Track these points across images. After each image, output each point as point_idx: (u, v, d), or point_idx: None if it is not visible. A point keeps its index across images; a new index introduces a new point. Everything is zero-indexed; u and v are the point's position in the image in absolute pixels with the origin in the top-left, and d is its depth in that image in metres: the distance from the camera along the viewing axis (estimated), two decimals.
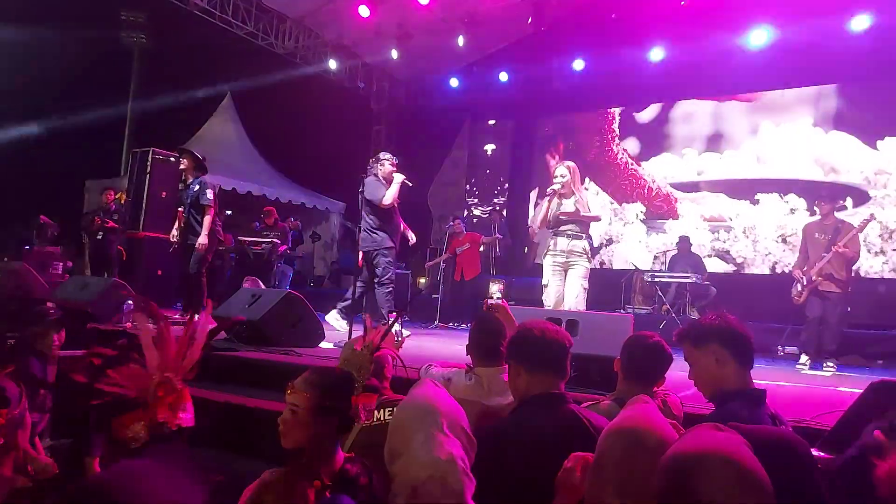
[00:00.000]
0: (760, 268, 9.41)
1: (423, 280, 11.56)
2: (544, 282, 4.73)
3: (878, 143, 8.67)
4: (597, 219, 4.98)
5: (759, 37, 8.85)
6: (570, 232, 4.70)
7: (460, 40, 10.23)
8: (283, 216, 9.86)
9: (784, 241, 9.23)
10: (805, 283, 5.71)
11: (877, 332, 6.87)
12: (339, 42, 10.95)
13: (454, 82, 12.19)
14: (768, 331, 6.95)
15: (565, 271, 4.69)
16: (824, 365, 5.50)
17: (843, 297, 5.70)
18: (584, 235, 4.73)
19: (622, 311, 8.42)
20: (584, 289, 4.63)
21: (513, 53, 11.19)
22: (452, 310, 8.96)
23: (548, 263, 4.73)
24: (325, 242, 12.77)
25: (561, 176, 4.74)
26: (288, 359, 4.01)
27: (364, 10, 9.60)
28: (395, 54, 10.27)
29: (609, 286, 9.26)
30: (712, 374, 2.02)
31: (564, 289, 4.65)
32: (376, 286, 5.42)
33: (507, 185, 12.24)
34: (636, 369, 2.29)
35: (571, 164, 4.89)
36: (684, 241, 8.83)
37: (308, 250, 11.83)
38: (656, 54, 9.72)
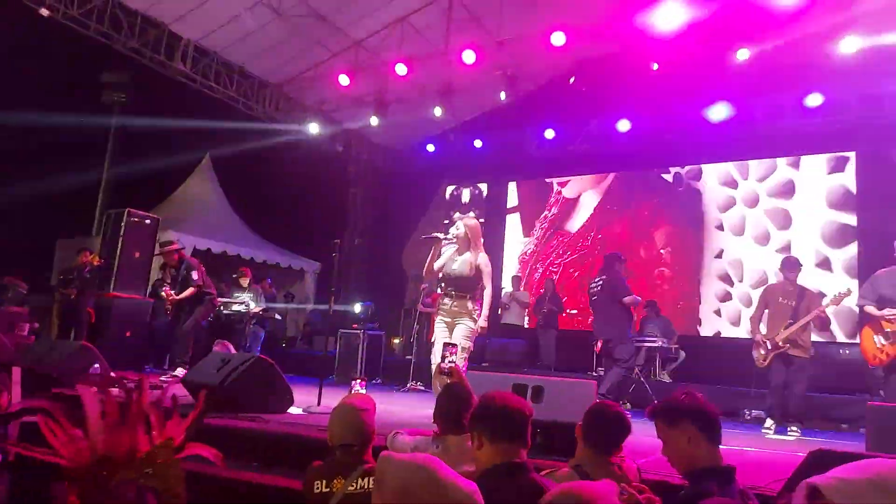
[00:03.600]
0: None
1: (397, 341, 11.54)
2: (433, 339, 4.70)
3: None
4: (484, 284, 4.72)
5: (719, 111, 9.36)
6: (454, 292, 4.64)
7: (437, 110, 10.60)
8: (259, 276, 9.86)
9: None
10: (770, 347, 5.81)
11: (841, 395, 7.00)
12: (318, 108, 11.26)
13: (430, 148, 12.54)
14: (735, 394, 7.05)
15: (450, 330, 4.63)
16: (789, 429, 5.58)
17: (808, 363, 5.82)
18: (468, 295, 4.64)
19: (593, 373, 8.48)
20: (465, 349, 4.52)
21: (487, 121, 11.63)
22: (427, 372, 8.91)
23: (437, 321, 4.71)
24: (299, 303, 12.72)
25: (456, 229, 4.68)
26: (254, 425, 3.98)
27: (344, 79, 9.94)
28: (374, 122, 10.60)
29: (579, 349, 9.36)
30: (685, 452, 2.09)
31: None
32: (615, 365, 6.38)
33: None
34: (596, 438, 2.36)
35: (473, 221, 4.83)
36: (652, 306, 9.00)
37: (281, 311, 11.76)
38: (624, 126, 10.22)
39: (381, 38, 9.91)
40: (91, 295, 7.54)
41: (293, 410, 4.70)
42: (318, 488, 2.37)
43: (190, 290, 6.85)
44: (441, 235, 4.70)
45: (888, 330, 4.59)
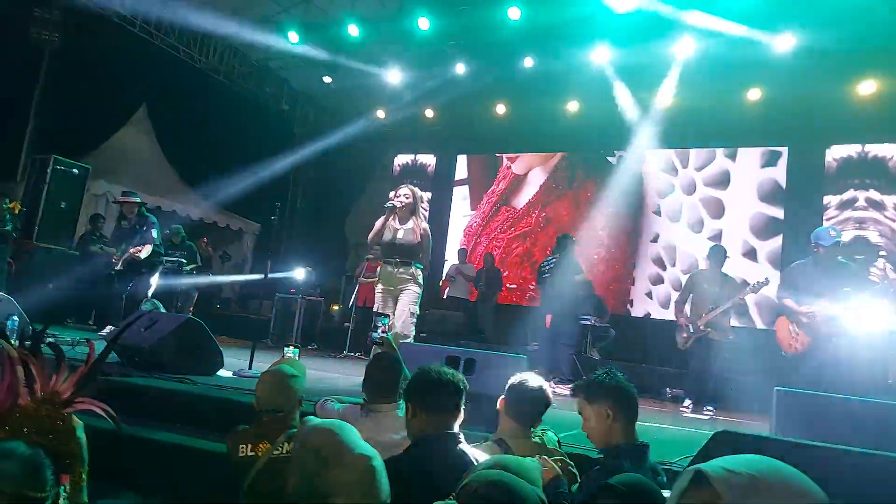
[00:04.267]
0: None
1: (336, 307, 11.46)
2: (375, 309, 4.69)
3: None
4: (424, 252, 4.80)
5: (664, 99, 9.59)
6: (398, 259, 4.67)
7: (390, 76, 10.42)
8: (196, 234, 9.57)
9: None
10: (692, 330, 6.09)
11: (756, 379, 7.41)
12: (265, 64, 10.88)
13: (380, 114, 12.35)
14: (658, 373, 7.38)
15: (395, 298, 4.67)
16: (705, 408, 5.89)
17: (725, 346, 6.15)
18: (412, 262, 4.69)
19: (527, 347, 8.68)
20: (412, 313, 4.62)
21: (439, 92, 11.50)
22: (365, 341, 8.92)
23: (379, 291, 4.72)
24: (235, 264, 12.44)
25: (405, 196, 4.71)
26: (181, 387, 3.90)
27: (293, 36, 9.61)
28: (326, 80, 10.32)
29: (516, 322, 9.55)
30: (602, 428, 2.19)
31: (394, 315, 4.62)
32: (560, 346, 6.76)
33: (425, 215, 12.43)
34: (517, 412, 2.43)
35: (417, 190, 4.89)
36: (587, 285, 9.24)
37: (217, 271, 11.47)
38: (573, 106, 10.35)
39: None
40: (11, 244, 7.14)
41: (223, 373, 4.63)
42: (243, 452, 2.36)
43: (148, 248, 6.57)
44: (397, 204, 4.67)
45: (803, 320, 4.82)
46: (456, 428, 2.20)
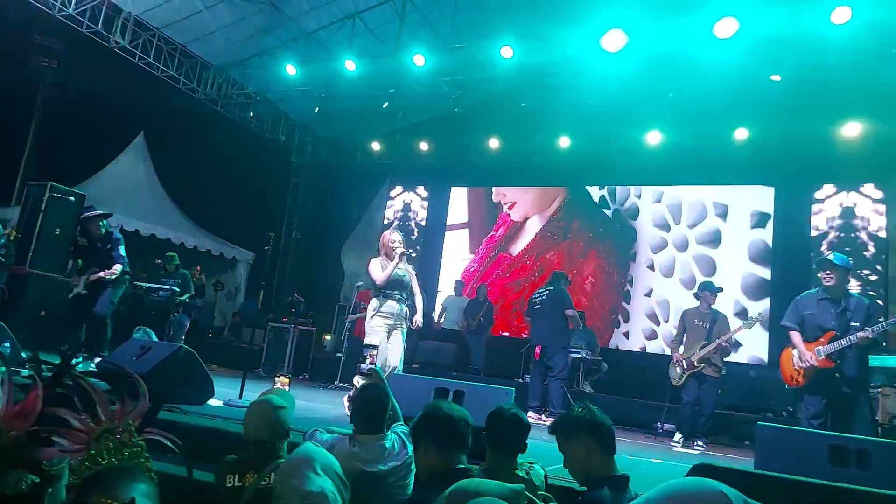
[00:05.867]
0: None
1: (328, 337, 11.43)
2: (373, 341, 4.77)
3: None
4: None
5: (654, 137, 9.77)
6: (399, 297, 4.92)
7: (385, 109, 10.60)
8: (190, 262, 9.58)
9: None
10: (686, 366, 6.11)
11: (746, 414, 7.43)
12: (263, 95, 11.05)
13: (376, 146, 12.53)
14: (650, 407, 7.37)
15: (390, 332, 4.87)
16: (695, 444, 5.89)
17: (719, 381, 6.17)
18: (406, 300, 4.99)
19: (520, 379, 8.67)
20: (404, 350, 4.95)
21: (434, 125, 11.71)
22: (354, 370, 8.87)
23: (378, 325, 4.84)
24: (228, 292, 12.42)
25: (399, 242, 4.96)
26: (171, 416, 3.89)
27: (291, 69, 9.78)
28: (319, 114, 10.49)
29: (508, 356, 9.56)
30: (582, 462, 2.23)
31: (388, 350, 4.81)
32: (551, 379, 6.88)
33: (418, 247, 12.50)
34: (498, 442, 2.46)
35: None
36: (580, 317, 9.28)
37: (210, 299, 11.46)
38: (565, 142, 10.52)
39: (332, 32, 9.83)
40: (5, 270, 7.13)
41: (214, 402, 4.62)
42: (230, 482, 2.38)
43: (118, 268, 6.10)
44: (405, 250, 4.97)
45: (806, 356, 4.55)
46: (466, 463, 2.24)
